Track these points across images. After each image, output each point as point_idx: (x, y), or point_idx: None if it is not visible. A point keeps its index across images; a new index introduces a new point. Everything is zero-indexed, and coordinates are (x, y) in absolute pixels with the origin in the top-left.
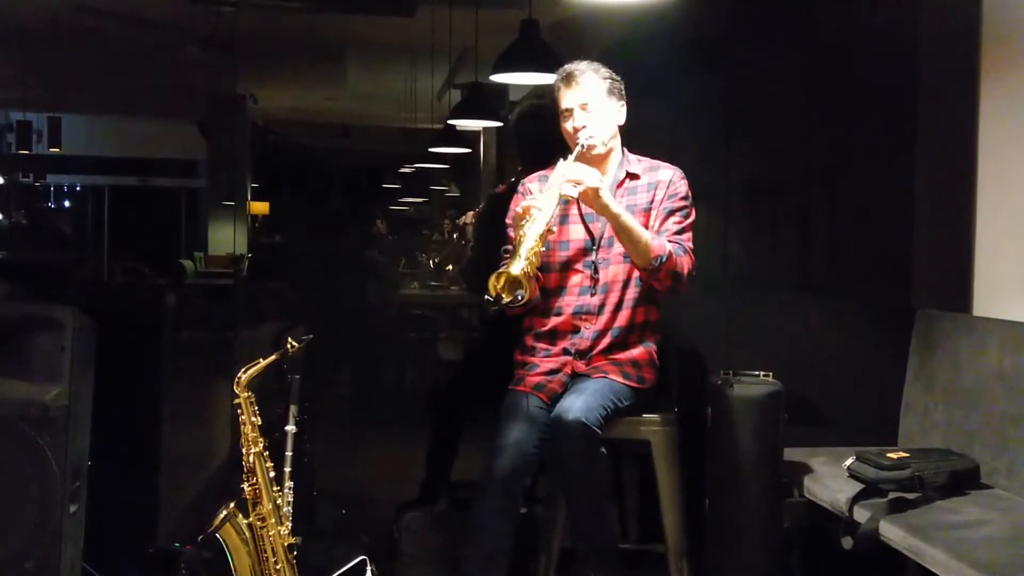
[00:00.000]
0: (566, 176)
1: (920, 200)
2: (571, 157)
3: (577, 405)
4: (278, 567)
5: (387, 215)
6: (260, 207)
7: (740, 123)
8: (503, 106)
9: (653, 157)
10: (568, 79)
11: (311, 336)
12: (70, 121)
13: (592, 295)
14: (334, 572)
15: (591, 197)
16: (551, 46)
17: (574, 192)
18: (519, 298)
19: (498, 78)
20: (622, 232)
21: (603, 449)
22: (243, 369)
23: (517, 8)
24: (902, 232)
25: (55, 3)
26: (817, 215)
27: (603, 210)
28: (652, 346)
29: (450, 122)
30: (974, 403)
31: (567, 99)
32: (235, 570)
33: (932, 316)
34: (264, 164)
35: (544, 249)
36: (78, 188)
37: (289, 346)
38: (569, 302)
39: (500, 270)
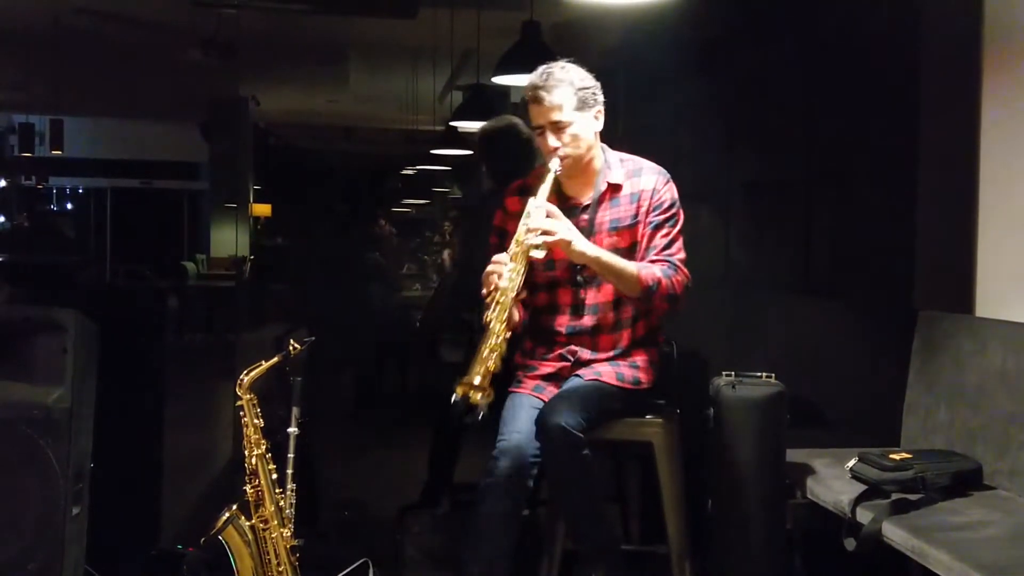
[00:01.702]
0: (530, 225)
1: (922, 201)
2: (545, 186)
3: (559, 409)
4: (280, 569)
5: (389, 217)
6: (262, 209)
7: (742, 125)
8: (505, 108)
9: (655, 160)
10: (536, 97)
11: (313, 338)
12: (72, 123)
13: (583, 316)
14: (336, 574)
15: (564, 249)
16: (553, 48)
17: (541, 254)
18: (479, 414)
19: (500, 80)
20: (605, 272)
21: (587, 451)
22: (245, 371)
23: (519, 10)
24: (904, 233)
25: (57, 5)
26: (819, 217)
27: (580, 258)
28: (653, 348)
29: (452, 124)
30: (976, 404)
31: (536, 117)
32: (237, 572)
33: (934, 317)
34: (266, 166)
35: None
36: (80, 190)
37: (291, 348)
38: (562, 322)
39: (464, 379)
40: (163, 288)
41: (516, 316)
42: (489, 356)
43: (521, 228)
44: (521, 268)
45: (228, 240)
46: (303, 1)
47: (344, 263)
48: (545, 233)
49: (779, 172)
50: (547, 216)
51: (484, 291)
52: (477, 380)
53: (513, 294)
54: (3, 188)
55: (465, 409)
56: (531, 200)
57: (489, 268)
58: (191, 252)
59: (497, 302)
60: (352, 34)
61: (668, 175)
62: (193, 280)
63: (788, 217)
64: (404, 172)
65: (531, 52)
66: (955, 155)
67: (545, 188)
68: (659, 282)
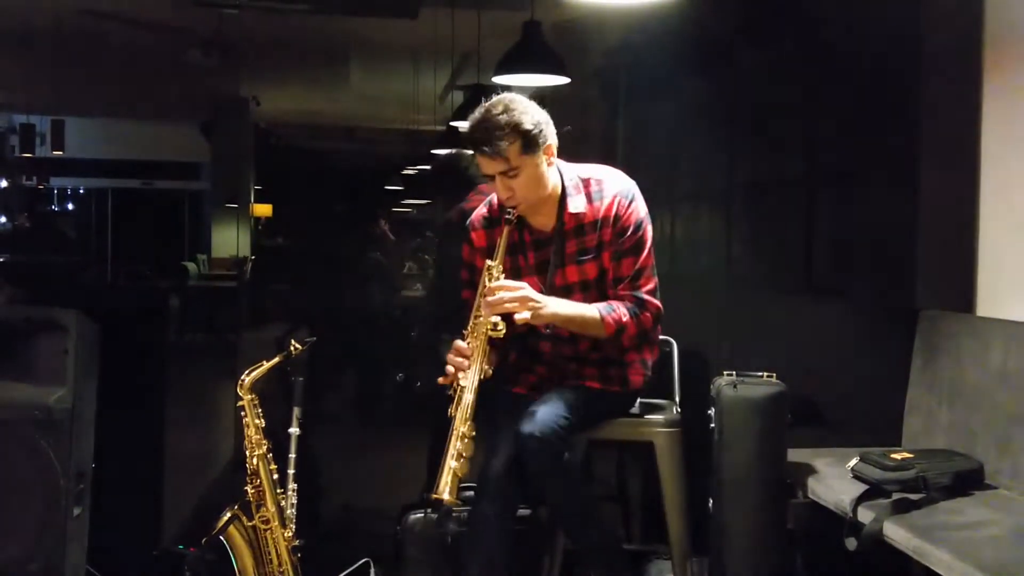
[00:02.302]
0: (489, 303)
1: (923, 200)
2: (502, 242)
3: (536, 417)
4: (281, 569)
5: (390, 217)
6: (263, 209)
7: (743, 124)
8: None
9: (655, 160)
10: (479, 151)
11: (314, 338)
12: (73, 124)
13: (563, 345)
14: (338, 574)
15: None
16: (553, 48)
17: (502, 334)
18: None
19: (500, 80)
20: (570, 325)
21: (566, 455)
22: (246, 371)
23: (520, 10)
24: (905, 233)
25: (58, 5)
26: (821, 216)
27: (543, 322)
28: (646, 346)
29: (452, 124)
30: (978, 403)
31: (484, 167)
32: (239, 572)
33: (935, 317)
34: (267, 166)
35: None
36: (81, 191)
37: (292, 348)
38: (546, 346)
39: (435, 492)
40: (164, 288)
41: (489, 372)
42: (455, 462)
43: (479, 303)
44: (480, 356)
45: (229, 240)
46: (304, 1)
47: (345, 263)
48: (506, 312)
49: (779, 172)
50: (506, 290)
51: (443, 380)
52: (446, 495)
53: (476, 385)
54: (4, 188)
55: (444, 512)
56: (488, 263)
57: (450, 358)
58: (192, 252)
59: (459, 397)
60: (353, 34)
61: (632, 191)
62: (194, 280)
63: (788, 217)
64: (405, 172)
65: (531, 52)
66: (956, 154)
67: (502, 244)
68: (625, 325)
